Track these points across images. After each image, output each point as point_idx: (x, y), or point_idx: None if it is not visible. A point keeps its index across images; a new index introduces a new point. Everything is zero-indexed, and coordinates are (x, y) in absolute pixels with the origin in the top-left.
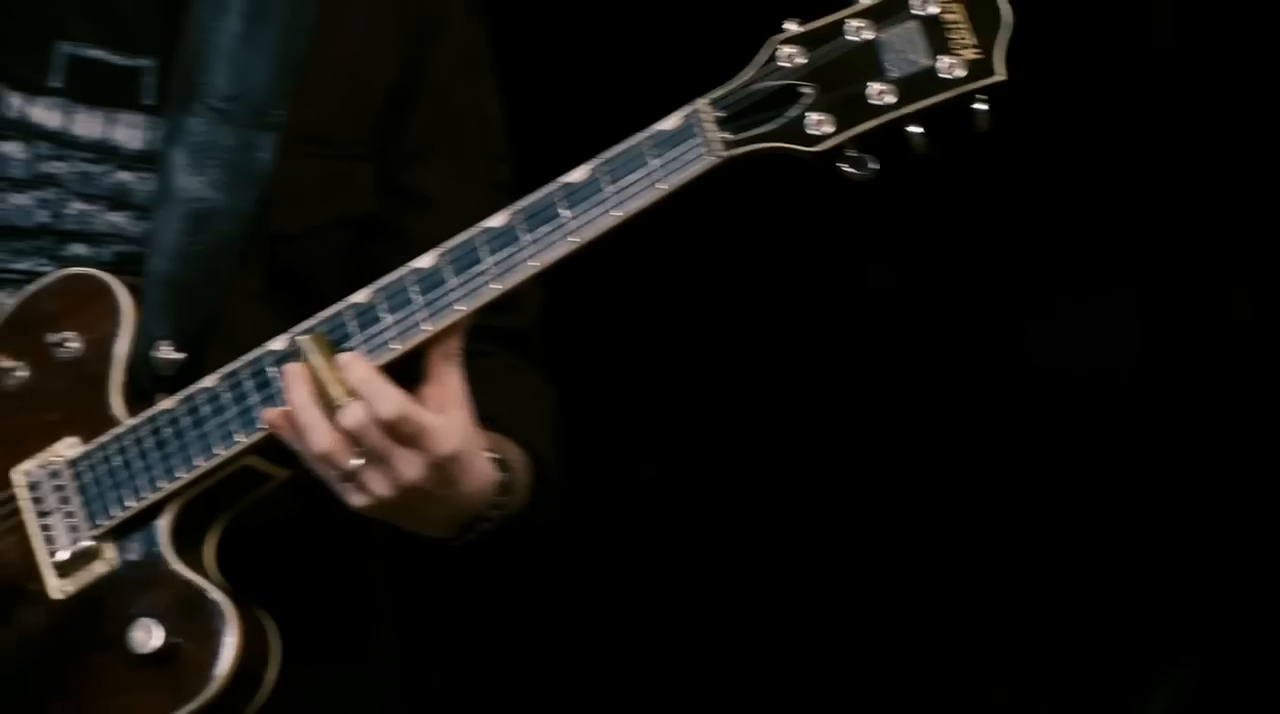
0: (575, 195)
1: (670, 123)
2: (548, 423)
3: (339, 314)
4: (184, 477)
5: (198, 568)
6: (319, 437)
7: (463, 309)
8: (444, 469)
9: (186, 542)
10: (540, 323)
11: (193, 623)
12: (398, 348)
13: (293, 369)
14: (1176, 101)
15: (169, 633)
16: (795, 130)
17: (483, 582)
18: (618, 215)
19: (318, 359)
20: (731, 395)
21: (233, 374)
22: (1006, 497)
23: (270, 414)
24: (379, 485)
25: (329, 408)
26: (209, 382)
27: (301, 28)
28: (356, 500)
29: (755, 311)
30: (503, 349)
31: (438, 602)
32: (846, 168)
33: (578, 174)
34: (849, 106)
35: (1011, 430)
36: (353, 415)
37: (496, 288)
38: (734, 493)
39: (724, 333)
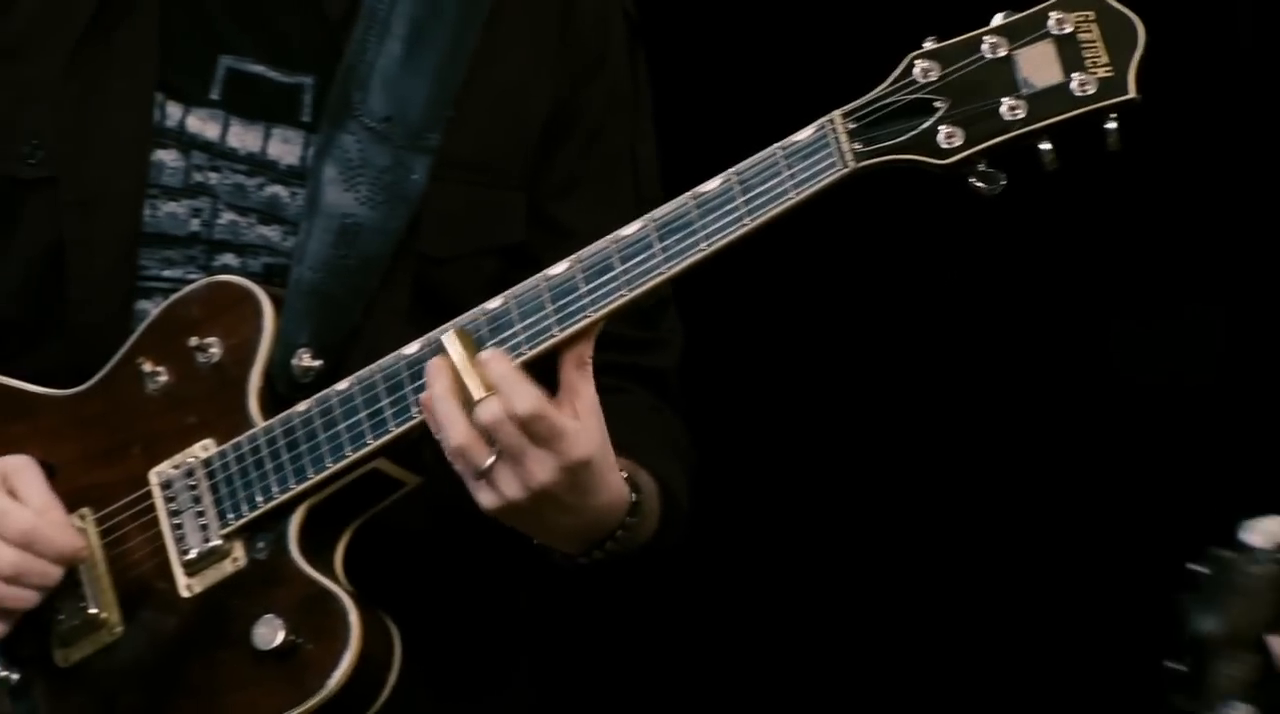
0: (707, 205)
1: (804, 134)
2: (683, 464)
3: (473, 319)
4: (314, 477)
5: (325, 570)
6: (456, 431)
7: (592, 316)
8: (576, 475)
9: (315, 544)
10: (679, 365)
11: (316, 622)
12: (528, 353)
13: (435, 362)
14: (1267, 112)
15: (292, 631)
16: (926, 142)
17: (622, 618)
18: (748, 224)
19: (459, 353)
20: (812, 397)
21: (366, 378)
22: (1087, 505)
23: (424, 399)
24: (510, 485)
25: (467, 403)
26: (342, 385)
27: (461, 55)
28: (487, 500)
29: (842, 316)
30: (645, 390)
31: (578, 636)
32: (975, 182)
33: (711, 184)
34: (980, 121)
35: (1093, 442)
36: (488, 410)
37: (626, 296)
38: (825, 497)
39: (810, 335)
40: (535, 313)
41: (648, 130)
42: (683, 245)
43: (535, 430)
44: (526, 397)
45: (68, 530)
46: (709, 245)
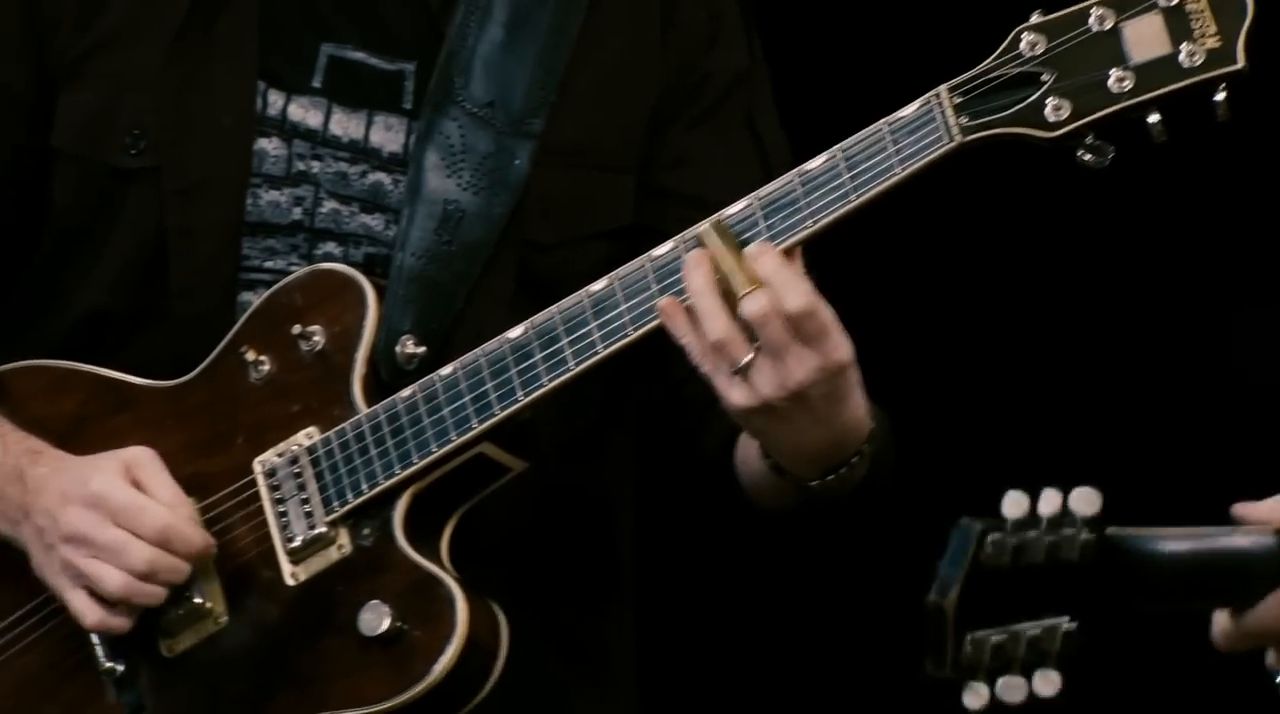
0: (813, 183)
1: (910, 109)
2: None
3: (576, 302)
4: (418, 463)
5: (431, 556)
6: (716, 324)
7: None
8: (834, 380)
9: (421, 530)
10: None
11: (423, 609)
12: (633, 334)
13: (694, 255)
14: None
15: (398, 617)
16: (1033, 115)
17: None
18: (853, 201)
19: (721, 247)
20: (927, 388)
21: (469, 362)
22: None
23: (663, 302)
24: (768, 384)
25: (729, 296)
26: (446, 370)
27: (564, 40)
28: (740, 397)
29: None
30: None
31: (680, 615)
32: (1083, 155)
33: (816, 162)
34: (1088, 92)
35: (1211, 438)
36: (757, 303)
37: None
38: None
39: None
40: (640, 293)
41: (767, 104)
42: (787, 223)
43: (804, 328)
44: (800, 292)
45: (199, 527)
46: (815, 222)
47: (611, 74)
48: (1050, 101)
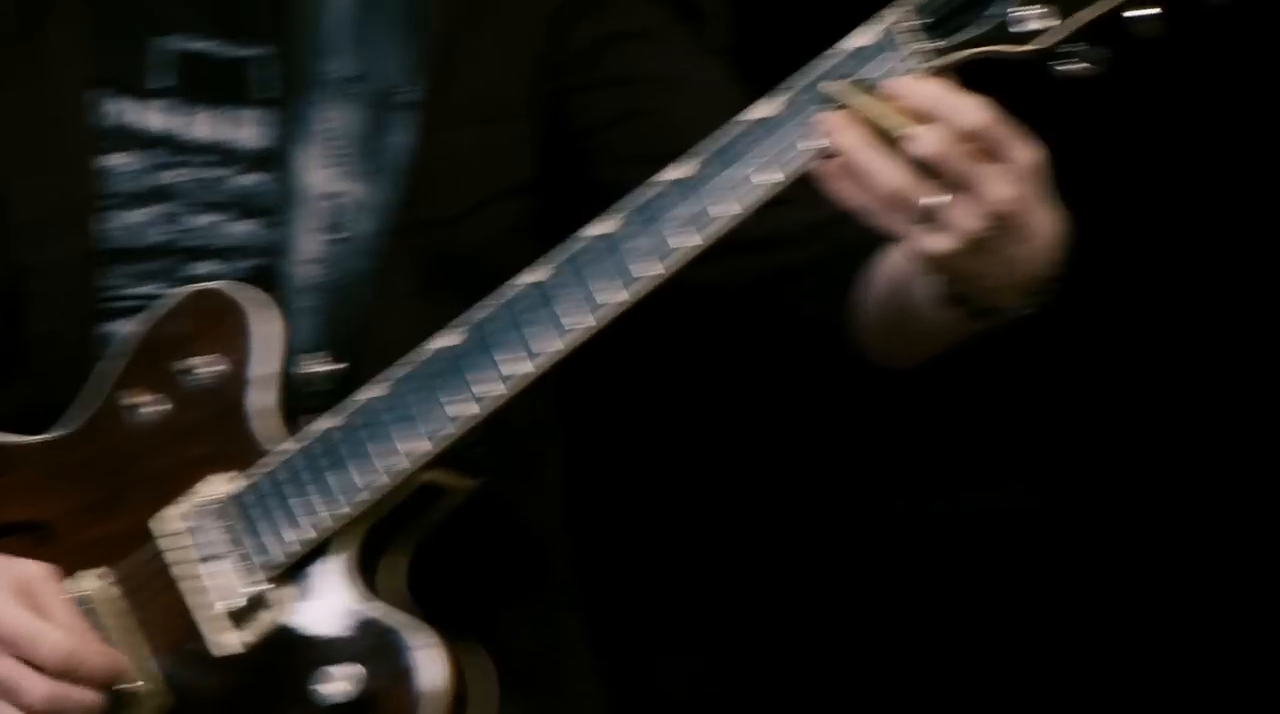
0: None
1: (864, 38)
2: None
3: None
4: (364, 499)
5: (390, 601)
6: (891, 174)
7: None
8: (1033, 184)
9: (373, 574)
10: None
11: (387, 664)
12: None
13: (833, 117)
14: None
15: (360, 677)
16: (1011, 29)
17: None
18: (807, 147)
19: (862, 98)
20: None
21: (406, 379)
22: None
23: (823, 166)
24: (969, 217)
25: (891, 143)
26: (378, 391)
27: None
28: (941, 244)
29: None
30: None
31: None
32: (1068, 65)
33: (767, 108)
34: None
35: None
36: (933, 137)
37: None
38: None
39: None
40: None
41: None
42: (737, 189)
43: (989, 143)
44: (970, 109)
45: (107, 651)
46: (784, 173)
47: (483, 14)
48: (1026, 10)
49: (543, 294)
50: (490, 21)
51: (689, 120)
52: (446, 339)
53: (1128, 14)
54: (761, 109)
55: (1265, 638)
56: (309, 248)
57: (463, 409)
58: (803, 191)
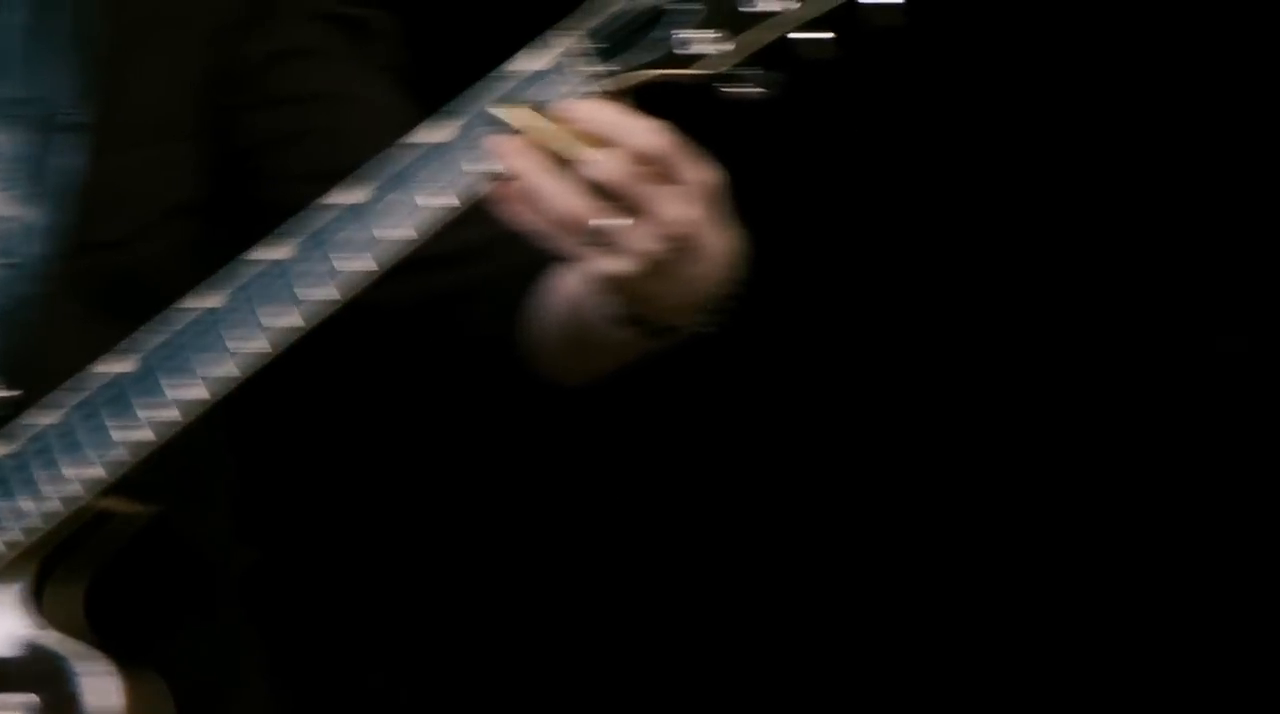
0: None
1: (535, 61)
2: None
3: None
4: (37, 526)
5: (64, 630)
6: (565, 198)
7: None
8: (712, 207)
9: (47, 602)
10: None
11: (58, 692)
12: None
13: (505, 141)
14: None
15: (34, 706)
16: (680, 53)
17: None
18: (480, 172)
19: (535, 121)
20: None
21: (79, 406)
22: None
23: (496, 189)
24: (644, 239)
25: (565, 166)
26: (50, 418)
27: (94, 12)
28: (617, 265)
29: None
30: None
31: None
32: (738, 87)
33: (440, 132)
34: (734, 18)
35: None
36: (606, 161)
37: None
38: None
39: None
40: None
41: None
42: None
43: (665, 165)
44: (645, 131)
45: None
46: (458, 198)
47: (155, 28)
48: (696, 34)
49: (214, 319)
50: (161, 36)
51: (358, 138)
52: (117, 365)
53: (795, 36)
54: (435, 133)
55: (1265, 638)
56: None
57: (136, 435)
58: (474, 210)
